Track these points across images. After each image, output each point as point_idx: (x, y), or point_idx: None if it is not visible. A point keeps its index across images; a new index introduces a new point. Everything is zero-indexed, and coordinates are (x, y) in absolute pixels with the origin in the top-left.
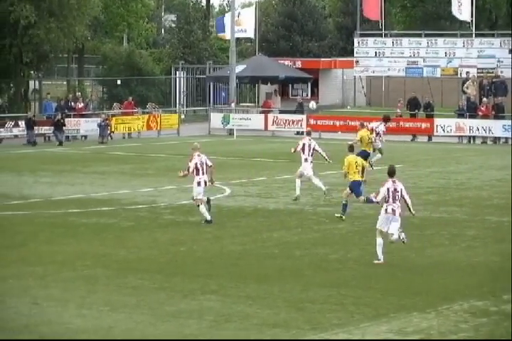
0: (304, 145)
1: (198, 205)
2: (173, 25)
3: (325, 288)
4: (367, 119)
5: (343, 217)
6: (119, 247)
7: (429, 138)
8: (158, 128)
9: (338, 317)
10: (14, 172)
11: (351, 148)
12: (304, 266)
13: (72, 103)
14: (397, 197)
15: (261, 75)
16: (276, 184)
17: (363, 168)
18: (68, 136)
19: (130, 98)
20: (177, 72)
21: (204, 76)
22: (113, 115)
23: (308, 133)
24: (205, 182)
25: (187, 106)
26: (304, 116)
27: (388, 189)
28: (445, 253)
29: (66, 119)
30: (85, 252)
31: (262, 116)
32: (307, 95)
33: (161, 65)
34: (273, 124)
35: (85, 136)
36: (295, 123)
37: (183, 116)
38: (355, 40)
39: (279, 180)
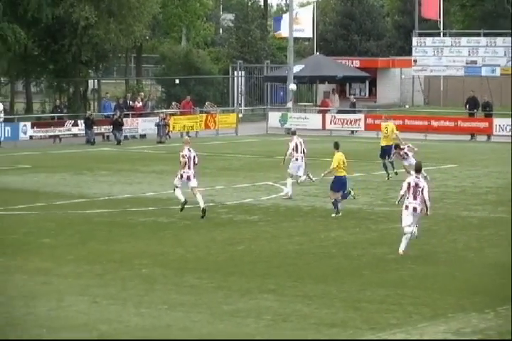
0: (296, 145)
1: (174, 189)
2: (231, 24)
3: (383, 287)
4: (425, 119)
5: (340, 214)
6: (177, 246)
7: (488, 138)
8: (216, 127)
9: (396, 317)
10: (73, 171)
11: (337, 146)
12: (361, 266)
13: (131, 102)
14: (417, 193)
15: (319, 75)
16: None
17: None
18: (126, 136)
19: (188, 97)
20: (235, 72)
21: (262, 75)
22: (171, 114)
23: (294, 133)
24: (188, 177)
25: (245, 106)
26: (362, 116)
27: (409, 183)
28: (503, 253)
29: (124, 119)
30: (143, 251)
31: (320, 115)
32: (365, 94)
33: (219, 64)
34: (331, 123)
35: (143, 135)
36: (353, 122)
37: (240, 116)
38: (414, 40)
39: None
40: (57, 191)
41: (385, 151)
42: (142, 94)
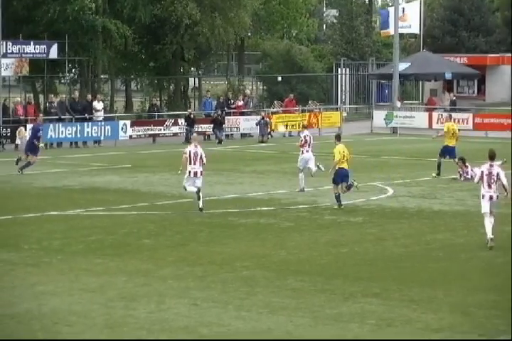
0: (306, 138)
1: (185, 189)
2: (335, 20)
3: (492, 292)
4: None
5: (342, 207)
6: (279, 248)
7: None
8: (320, 126)
9: (506, 323)
10: (173, 171)
11: (338, 138)
12: (469, 270)
13: (232, 100)
14: (492, 181)
15: (425, 72)
16: (441, 184)
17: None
18: (228, 135)
19: (291, 95)
20: (339, 69)
21: (367, 73)
22: (273, 113)
23: (305, 127)
24: (195, 173)
25: (349, 104)
26: (470, 115)
27: (482, 172)
28: None
29: (225, 117)
30: (244, 253)
31: (427, 114)
32: (473, 92)
33: (322, 61)
34: (438, 122)
35: (245, 135)
36: (460, 121)
37: (345, 114)
38: None
39: (444, 181)
40: (158, 191)
41: (447, 150)
42: (248, 91)
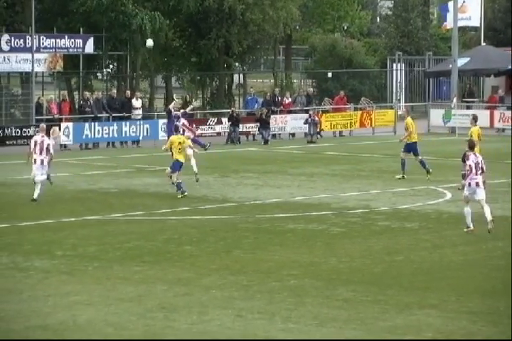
0: None
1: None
2: (390, 12)
3: None
4: None
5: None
6: (329, 256)
7: None
8: (373, 125)
9: None
10: (217, 173)
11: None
12: None
13: (279, 98)
14: (478, 170)
15: (486, 67)
16: (501, 188)
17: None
18: (274, 134)
19: (342, 92)
20: (393, 64)
21: (423, 68)
22: (323, 111)
23: None
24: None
25: (404, 102)
26: None
27: (470, 165)
28: None
29: (272, 116)
30: (292, 261)
31: (488, 112)
32: None
33: (375, 56)
34: (499, 121)
35: (293, 134)
36: None
37: (399, 113)
38: None
39: (504, 184)
40: (200, 195)
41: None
42: (308, 90)
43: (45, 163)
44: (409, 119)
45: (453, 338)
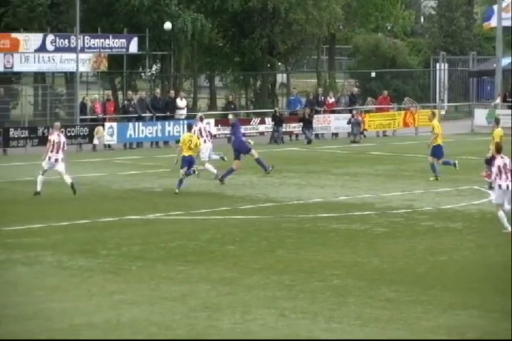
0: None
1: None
2: (433, 12)
3: None
4: None
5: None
6: (372, 256)
7: None
8: (416, 125)
9: None
10: (260, 173)
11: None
12: None
13: (322, 98)
14: (507, 172)
15: None
16: None
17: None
18: (317, 134)
19: (385, 92)
20: (437, 64)
21: (467, 68)
22: (366, 111)
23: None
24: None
25: (448, 102)
26: None
27: (499, 166)
28: None
29: (315, 116)
30: (335, 260)
31: None
32: None
33: (419, 56)
34: None
35: (336, 134)
36: None
37: (443, 113)
38: None
39: None
40: (243, 194)
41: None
42: (357, 89)
43: (59, 161)
44: (435, 122)
45: (497, 338)
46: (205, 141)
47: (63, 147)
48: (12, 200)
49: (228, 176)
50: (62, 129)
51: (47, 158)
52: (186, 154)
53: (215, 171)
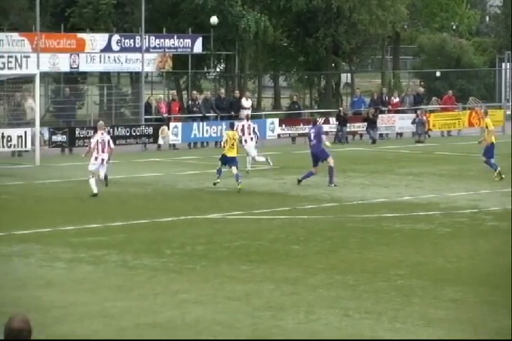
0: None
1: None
2: (499, 11)
3: None
4: None
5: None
6: (437, 256)
7: None
8: (481, 125)
9: None
10: (321, 173)
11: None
12: None
13: (387, 97)
14: None
15: None
16: None
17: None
18: (382, 134)
19: (450, 92)
20: (502, 64)
21: None
22: (431, 111)
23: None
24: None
25: None
26: None
27: None
28: None
29: (379, 115)
30: (399, 260)
31: None
32: None
33: (484, 55)
34: None
35: (400, 134)
36: None
37: (508, 112)
38: None
39: None
40: (307, 194)
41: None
42: (423, 88)
43: (105, 162)
44: (488, 119)
45: None
46: (246, 141)
47: (109, 145)
48: (77, 199)
49: (307, 179)
50: (105, 128)
51: (93, 158)
52: (228, 154)
53: (264, 159)
